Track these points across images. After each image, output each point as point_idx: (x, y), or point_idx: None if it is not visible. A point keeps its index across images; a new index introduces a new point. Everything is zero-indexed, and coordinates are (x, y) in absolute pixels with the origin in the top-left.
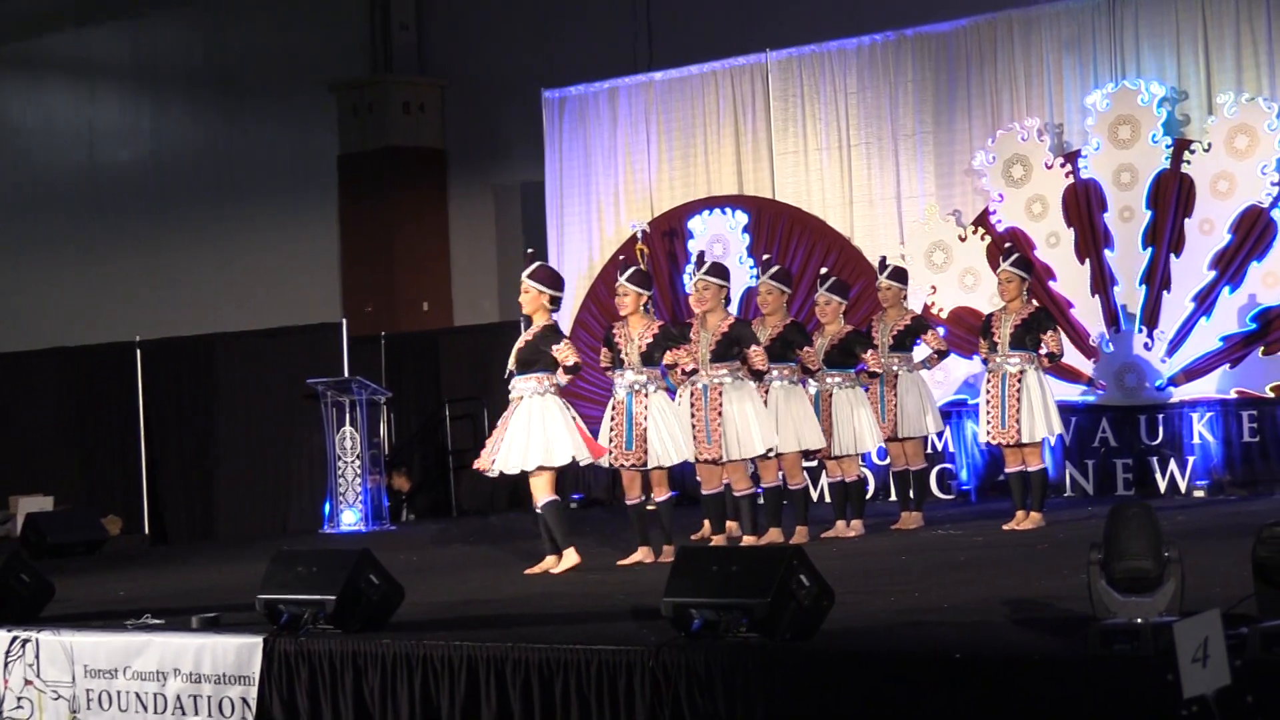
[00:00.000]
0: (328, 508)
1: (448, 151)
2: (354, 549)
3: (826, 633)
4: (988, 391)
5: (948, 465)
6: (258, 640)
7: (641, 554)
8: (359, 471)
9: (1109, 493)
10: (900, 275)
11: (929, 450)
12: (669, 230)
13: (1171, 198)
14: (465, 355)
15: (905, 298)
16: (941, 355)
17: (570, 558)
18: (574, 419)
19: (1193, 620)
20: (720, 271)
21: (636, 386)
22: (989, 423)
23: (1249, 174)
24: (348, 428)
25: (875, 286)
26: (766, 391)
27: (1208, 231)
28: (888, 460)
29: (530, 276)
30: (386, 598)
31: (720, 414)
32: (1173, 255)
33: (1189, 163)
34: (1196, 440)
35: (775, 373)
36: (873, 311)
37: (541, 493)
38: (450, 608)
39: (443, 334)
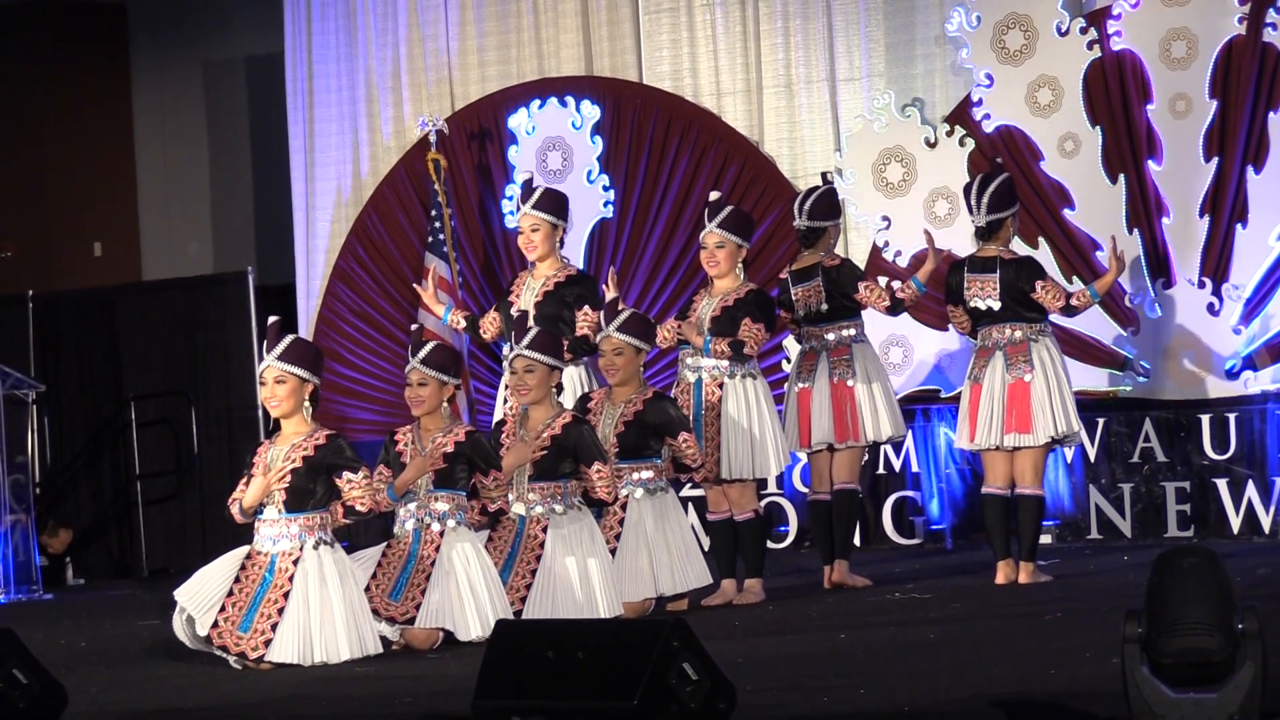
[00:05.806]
0: None
1: (131, 7)
2: None
3: None
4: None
5: (910, 493)
6: None
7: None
8: None
9: (1154, 534)
10: (827, 209)
11: (880, 470)
12: (478, 132)
13: (1249, 81)
14: (161, 326)
15: (835, 240)
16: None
17: None
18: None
19: None
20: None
21: (427, 520)
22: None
23: None
24: None
25: (794, 227)
26: (623, 508)
27: None
28: (809, 489)
29: (280, 359)
30: (39, 704)
31: (537, 566)
32: (1250, 170)
33: (1274, 26)
34: None
35: (632, 475)
36: (788, 258)
37: None
38: (140, 718)
39: (125, 292)
